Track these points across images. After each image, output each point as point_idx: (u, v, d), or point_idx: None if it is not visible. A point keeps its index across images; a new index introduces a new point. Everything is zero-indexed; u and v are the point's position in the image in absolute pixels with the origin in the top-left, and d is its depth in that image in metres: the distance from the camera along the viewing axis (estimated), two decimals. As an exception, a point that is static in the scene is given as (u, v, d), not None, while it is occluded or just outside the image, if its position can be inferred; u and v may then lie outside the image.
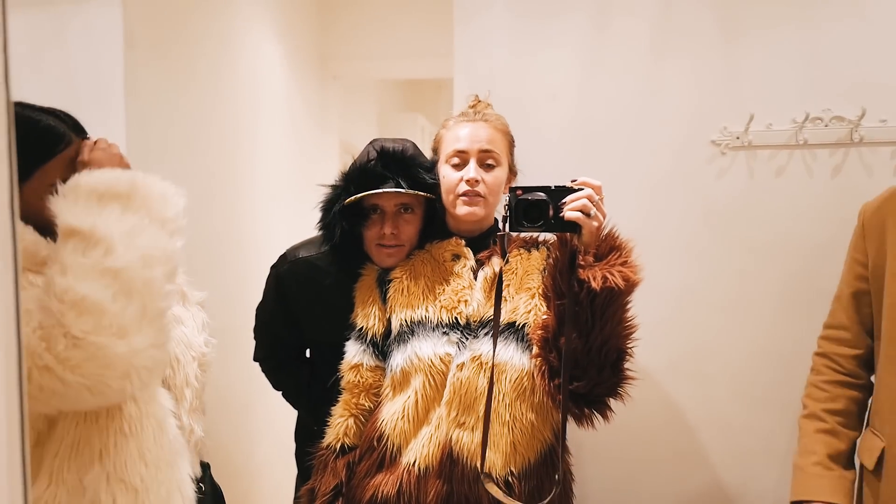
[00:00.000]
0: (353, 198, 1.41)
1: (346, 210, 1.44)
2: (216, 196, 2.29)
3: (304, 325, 1.63)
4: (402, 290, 1.41)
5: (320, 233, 1.53)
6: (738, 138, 1.69)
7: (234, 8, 2.46)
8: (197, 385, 1.27)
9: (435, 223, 1.48)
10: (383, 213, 1.46)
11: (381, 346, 1.42)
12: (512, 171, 1.47)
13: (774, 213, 1.69)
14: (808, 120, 1.64)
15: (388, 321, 1.42)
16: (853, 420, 1.37)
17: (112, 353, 0.91)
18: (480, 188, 1.37)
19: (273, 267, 1.66)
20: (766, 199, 1.69)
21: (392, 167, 1.43)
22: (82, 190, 0.98)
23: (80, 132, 1.15)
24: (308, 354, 1.76)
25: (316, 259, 1.58)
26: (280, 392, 1.78)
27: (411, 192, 1.40)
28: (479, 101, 1.51)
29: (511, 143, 1.47)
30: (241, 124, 2.50)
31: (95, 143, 1.11)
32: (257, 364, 1.80)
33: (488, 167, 1.39)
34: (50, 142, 1.08)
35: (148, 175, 1.07)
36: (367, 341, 1.42)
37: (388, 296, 1.43)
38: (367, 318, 1.43)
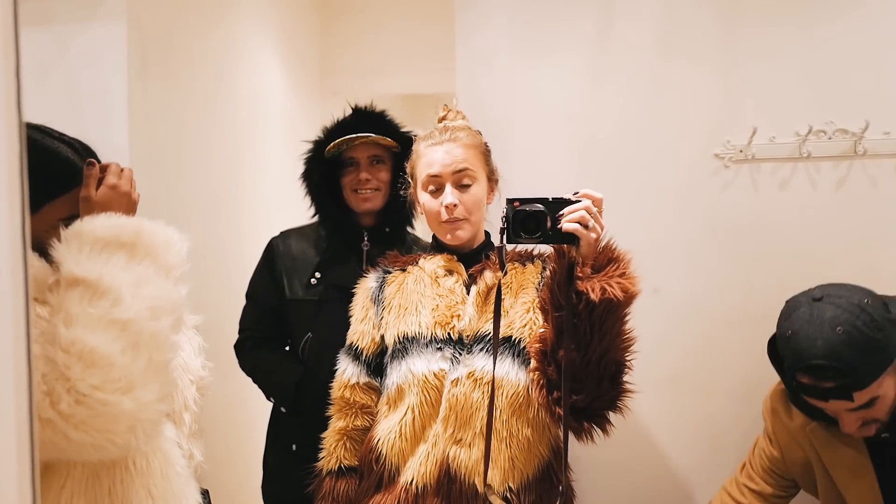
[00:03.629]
0: (331, 146, 1.67)
1: (325, 161, 1.71)
2: (215, 213, 2.29)
3: (286, 281, 1.76)
4: (396, 306, 1.41)
5: (304, 187, 1.77)
6: (741, 151, 1.69)
7: (235, 25, 2.48)
8: (195, 409, 1.26)
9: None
10: (358, 164, 1.70)
11: (374, 365, 1.42)
12: (492, 180, 1.46)
13: (778, 225, 1.68)
14: (812, 132, 1.64)
15: (382, 338, 1.42)
16: None
17: (118, 410, 0.89)
18: (459, 211, 1.37)
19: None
20: (770, 212, 1.69)
21: (365, 122, 1.70)
22: (86, 238, 0.96)
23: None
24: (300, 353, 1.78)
25: (304, 228, 1.84)
26: (257, 382, 1.79)
27: (380, 138, 1.65)
28: (448, 111, 1.49)
29: (486, 153, 1.45)
30: (242, 140, 2.51)
31: (103, 174, 1.08)
32: (247, 379, 1.80)
33: (464, 187, 1.38)
34: (66, 176, 1.06)
35: (152, 222, 1.05)
36: (362, 361, 1.43)
37: (381, 311, 1.42)
38: (363, 336, 1.43)
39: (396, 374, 1.36)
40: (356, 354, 1.43)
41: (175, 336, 0.99)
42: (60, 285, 0.93)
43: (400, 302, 1.41)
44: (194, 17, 2.16)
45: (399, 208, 1.69)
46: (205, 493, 1.34)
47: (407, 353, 1.35)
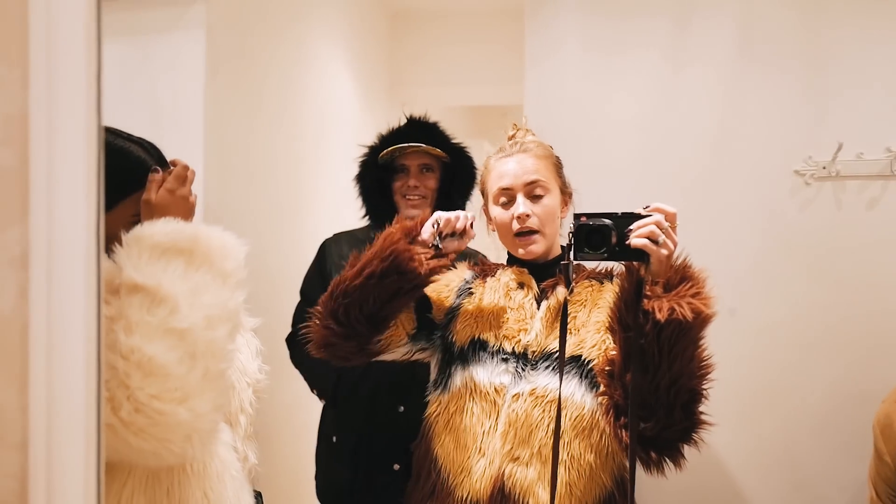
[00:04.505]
0: (385, 153, 1.74)
1: (379, 167, 1.78)
2: (281, 219, 2.34)
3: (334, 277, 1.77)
4: (475, 309, 1.38)
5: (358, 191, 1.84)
6: (824, 168, 1.60)
7: (307, 34, 2.53)
8: (251, 412, 1.26)
9: (453, 184, 1.77)
10: (408, 171, 1.76)
11: (423, 313, 1.39)
12: (565, 193, 1.42)
13: (864, 247, 1.59)
14: (904, 149, 1.54)
15: (451, 333, 1.38)
16: None
17: (174, 421, 0.90)
18: (532, 222, 1.33)
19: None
20: (855, 233, 1.59)
21: (418, 131, 1.78)
22: (146, 243, 0.97)
23: (164, 164, 1.17)
24: None
25: (355, 231, 1.89)
26: (303, 373, 1.84)
27: (430, 148, 1.72)
28: (518, 129, 1.46)
29: (557, 166, 1.42)
30: (310, 148, 2.56)
31: (165, 176, 1.10)
32: (313, 392, 1.85)
33: (536, 198, 1.35)
34: (138, 174, 1.10)
35: (209, 227, 1.06)
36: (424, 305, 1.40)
37: (455, 311, 1.39)
38: (435, 290, 1.40)
39: (459, 378, 1.33)
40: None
41: (231, 345, 1.00)
42: (121, 290, 0.95)
43: (479, 305, 1.38)
44: (267, 27, 2.22)
45: None
46: (258, 496, 1.36)
47: (472, 360, 1.32)
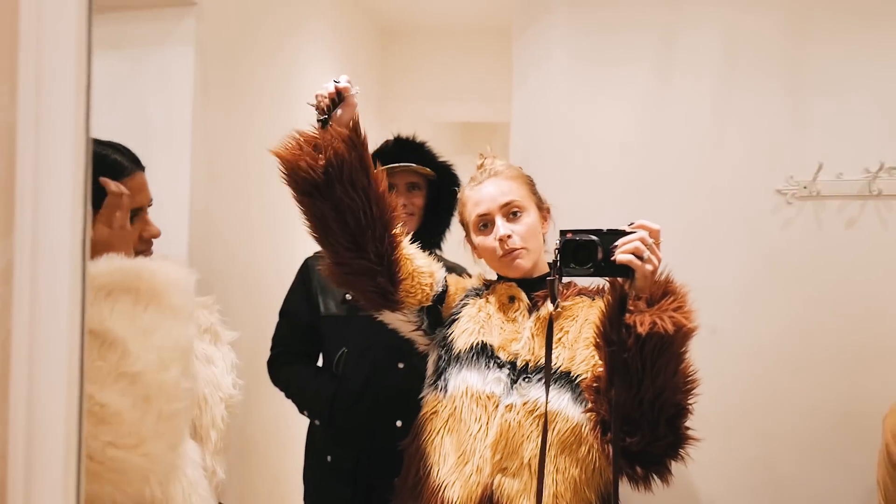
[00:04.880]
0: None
1: None
2: (269, 235, 2.33)
3: (321, 298, 1.81)
4: (475, 317, 1.39)
5: None
6: (805, 188, 1.63)
7: (298, 51, 2.54)
8: (222, 426, 1.24)
9: (438, 202, 1.79)
10: (396, 188, 1.74)
11: (435, 317, 1.42)
12: (542, 209, 1.44)
13: (844, 266, 1.61)
14: (883, 169, 1.57)
15: (450, 336, 1.39)
16: None
17: (130, 466, 0.87)
18: (514, 241, 1.35)
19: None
20: (835, 252, 1.62)
21: (406, 150, 1.80)
22: (89, 285, 0.91)
23: (139, 165, 1.18)
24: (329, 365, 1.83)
25: None
26: (291, 396, 1.82)
27: (420, 168, 1.75)
28: (485, 158, 1.48)
29: (530, 184, 1.44)
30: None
31: (113, 208, 1.06)
32: (284, 400, 1.83)
33: (514, 216, 1.37)
34: (117, 175, 1.11)
35: (154, 261, 1.03)
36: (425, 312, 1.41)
37: (463, 310, 1.41)
38: (430, 272, 1.41)
39: (453, 382, 1.35)
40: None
41: (186, 383, 0.97)
42: None
43: (485, 312, 1.40)
44: (257, 41, 2.23)
45: (429, 232, 1.79)
46: None
47: (467, 365, 1.33)
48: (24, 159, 0.67)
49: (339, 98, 1.27)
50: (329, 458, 1.77)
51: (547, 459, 1.25)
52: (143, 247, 1.22)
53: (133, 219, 1.16)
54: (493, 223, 1.37)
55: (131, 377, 0.89)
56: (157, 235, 1.24)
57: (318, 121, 1.28)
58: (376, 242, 1.28)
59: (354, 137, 1.25)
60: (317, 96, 1.29)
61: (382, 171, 1.58)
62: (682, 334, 1.11)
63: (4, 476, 0.69)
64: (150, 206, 1.24)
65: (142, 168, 1.20)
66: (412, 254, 1.38)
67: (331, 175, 1.23)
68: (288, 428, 2.29)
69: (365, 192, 1.25)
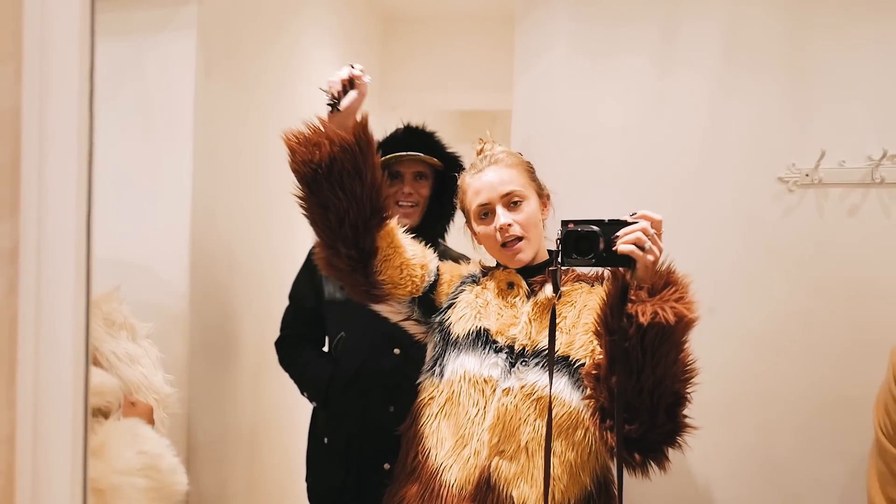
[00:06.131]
0: (382, 160, 1.70)
1: None
2: (272, 222, 2.33)
3: (325, 284, 1.82)
4: (473, 302, 1.40)
5: None
6: (807, 175, 1.63)
7: (299, 38, 2.54)
8: (163, 430, 1.15)
9: (445, 193, 1.76)
10: (403, 177, 1.77)
11: (428, 306, 1.42)
12: (542, 196, 1.45)
13: (846, 254, 1.61)
14: (886, 157, 1.57)
15: (448, 321, 1.40)
16: None
17: None
18: (515, 230, 1.36)
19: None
20: (837, 240, 1.62)
21: (415, 139, 1.81)
22: None
23: None
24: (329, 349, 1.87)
25: None
26: (293, 377, 1.86)
27: (428, 158, 1.76)
28: (485, 143, 1.49)
29: (530, 171, 1.44)
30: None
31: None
32: (303, 395, 1.86)
33: (514, 205, 1.38)
34: None
35: None
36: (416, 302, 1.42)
37: (461, 295, 1.42)
38: (419, 265, 1.41)
39: (451, 365, 1.36)
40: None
41: None
42: None
43: (472, 302, 1.41)
44: (258, 29, 2.23)
45: (433, 222, 1.80)
46: None
47: (465, 350, 1.35)
48: (29, 142, 0.68)
49: (350, 85, 1.27)
50: (326, 439, 1.82)
51: (543, 443, 1.26)
52: None
53: None
54: (493, 212, 1.38)
55: None
56: None
57: (328, 105, 1.29)
58: (356, 242, 1.29)
59: (358, 140, 1.26)
60: (330, 82, 1.29)
61: (382, 161, 1.57)
62: (683, 324, 1.13)
63: (13, 456, 0.70)
64: None
65: None
66: (404, 245, 1.38)
67: (318, 173, 1.24)
68: (294, 411, 2.31)
69: (352, 194, 1.26)
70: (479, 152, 1.47)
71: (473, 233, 1.46)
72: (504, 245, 1.37)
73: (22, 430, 0.74)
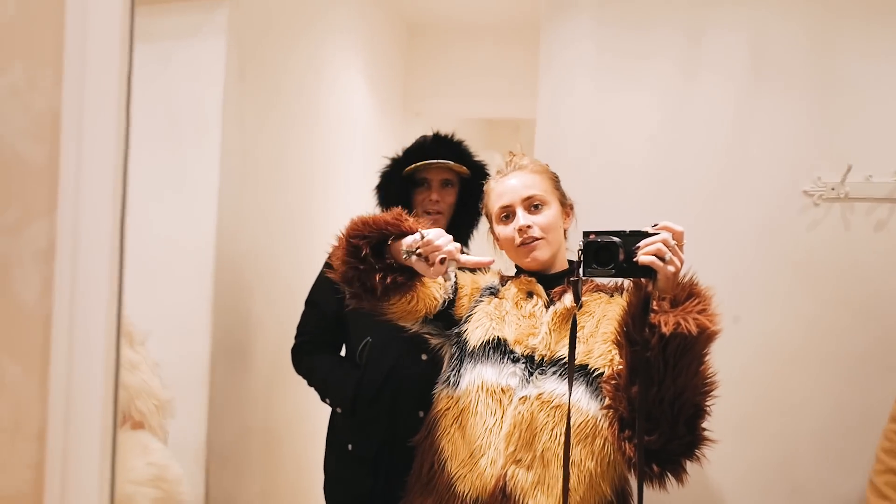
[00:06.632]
0: (411, 167, 1.78)
1: (402, 178, 1.82)
2: (296, 228, 2.36)
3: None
4: (490, 312, 1.41)
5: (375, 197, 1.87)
6: (833, 189, 1.61)
7: (325, 45, 2.57)
8: (160, 434, 1.17)
9: (470, 201, 1.75)
10: (430, 184, 1.79)
11: (446, 320, 1.42)
12: (565, 205, 1.46)
13: (872, 269, 1.59)
14: (914, 173, 1.55)
15: (466, 332, 1.40)
16: None
17: None
18: (534, 231, 1.37)
19: None
20: (862, 255, 1.60)
21: (443, 147, 1.82)
22: None
23: None
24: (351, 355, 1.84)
25: None
26: (314, 384, 1.84)
27: (456, 165, 1.77)
28: (514, 155, 1.51)
29: (554, 180, 1.46)
30: (325, 157, 2.58)
31: None
32: (325, 402, 1.85)
33: (535, 209, 1.40)
34: None
35: None
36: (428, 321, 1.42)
37: (479, 305, 1.42)
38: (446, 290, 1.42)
39: (468, 375, 1.36)
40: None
41: None
42: None
43: (499, 307, 1.41)
44: (286, 35, 2.26)
45: (457, 229, 1.79)
46: None
47: (482, 360, 1.35)
48: (67, 144, 0.69)
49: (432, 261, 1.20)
50: (350, 446, 1.79)
51: (561, 452, 1.26)
52: None
53: None
54: (514, 214, 1.40)
55: None
56: None
57: (404, 252, 1.22)
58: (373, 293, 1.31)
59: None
60: (427, 239, 1.20)
61: (409, 169, 1.57)
62: (705, 336, 1.13)
63: (45, 452, 0.72)
64: None
65: None
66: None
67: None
68: (310, 417, 2.32)
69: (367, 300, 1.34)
70: (509, 162, 1.49)
71: (495, 237, 1.47)
72: (521, 245, 1.38)
73: (52, 426, 0.75)
